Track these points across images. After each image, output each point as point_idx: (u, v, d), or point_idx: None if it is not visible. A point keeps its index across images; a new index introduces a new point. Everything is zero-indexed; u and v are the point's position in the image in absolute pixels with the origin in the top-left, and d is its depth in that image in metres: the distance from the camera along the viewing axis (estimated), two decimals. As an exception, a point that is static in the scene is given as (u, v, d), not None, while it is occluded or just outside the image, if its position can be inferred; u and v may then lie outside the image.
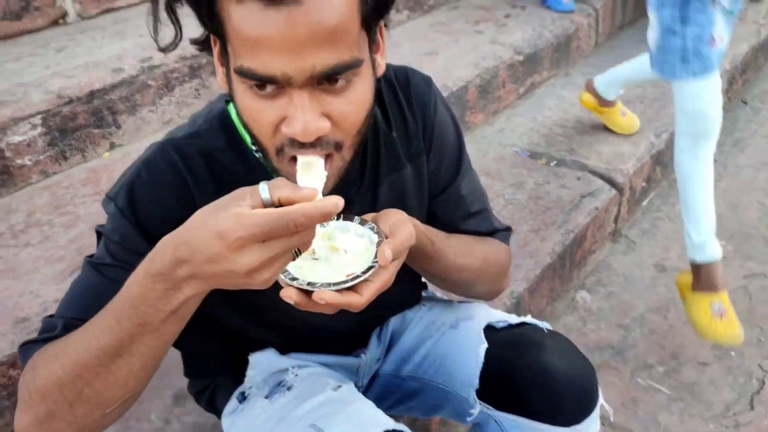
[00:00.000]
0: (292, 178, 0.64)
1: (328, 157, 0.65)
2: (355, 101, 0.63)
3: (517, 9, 2.62)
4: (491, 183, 1.88)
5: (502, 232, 0.95)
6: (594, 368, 0.87)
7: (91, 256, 0.76)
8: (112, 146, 1.78)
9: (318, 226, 0.61)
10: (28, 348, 0.70)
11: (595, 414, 0.84)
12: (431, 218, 0.89)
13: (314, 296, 0.59)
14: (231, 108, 0.76)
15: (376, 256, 0.63)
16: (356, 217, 0.69)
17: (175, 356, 1.37)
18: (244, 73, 0.59)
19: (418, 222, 0.74)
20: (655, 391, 1.50)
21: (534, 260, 1.59)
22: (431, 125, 0.84)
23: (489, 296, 0.99)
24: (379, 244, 0.65)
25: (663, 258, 1.91)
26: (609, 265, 1.90)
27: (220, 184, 0.73)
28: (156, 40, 0.65)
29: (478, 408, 0.87)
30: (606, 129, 2.13)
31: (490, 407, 0.87)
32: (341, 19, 0.57)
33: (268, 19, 0.55)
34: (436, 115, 0.84)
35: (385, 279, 0.62)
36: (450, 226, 0.89)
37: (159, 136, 0.80)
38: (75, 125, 1.68)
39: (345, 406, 0.80)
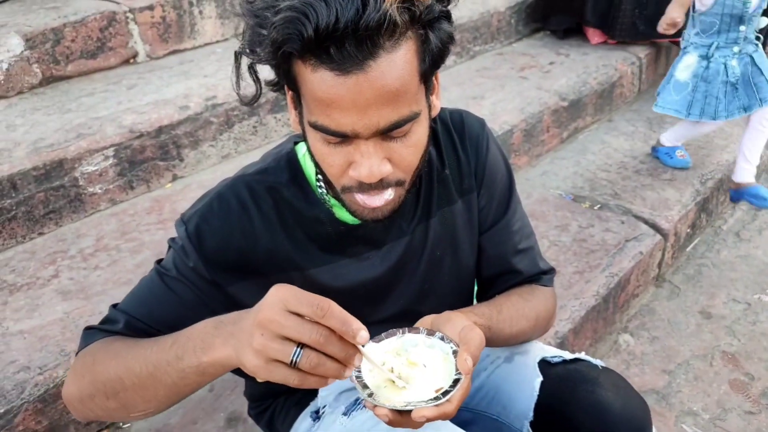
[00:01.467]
0: (354, 209, 0.74)
1: (389, 201, 0.73)
2: (413, 144, 0.70)
3: (562, 56, 2.69)
4: (535, 224, 1.92)
5: (546, 276, 0.97)
6: (648, 406, 0.89)
7: (159, 262, 0.83)
8: (174, 178, 1.89)
9: (387, 344, 0.69)
10: (90, 332, 0.80)
11: (649, 451, 0.86)
12: (480, 254, 0.94)
13: (414, 415, 0.63)
14: (298, 148, 0.83)
15: (456, 367, 0.67)
16: (421, 329, 0.72)
17: (229, 379, 1.44)
18: (317, 128, 0.67)
19: (476, 316, 0.78)
20: (701, 439, 1.49)
21: (579, 302, 1.61)
22: (483, 163, 0.89)
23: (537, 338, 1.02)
24: (454, 353, 0.68)
25: (708, 305, 1.90)
26: (652, 309, 1.90)
27: (282, 217, 0.81)
28: (239, 94, 0.73)
29: (531, 439, 0.89)
30: (650, 175, 2.16)
31: None
32: (401, 82, 0.64)
33: (339, 85, 0.62)
34: (488, 154, 0.89)
35: (466, 385, 0.67)
36: (498, 261, 0.93)
37: (217, 168, 0.90)
38: (143, 157, 1.80)
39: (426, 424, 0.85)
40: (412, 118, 0.67)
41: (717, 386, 1.62)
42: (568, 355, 0.94)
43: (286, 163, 0.83)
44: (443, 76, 2.53)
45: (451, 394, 0.64)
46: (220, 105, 1.93)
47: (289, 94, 0.74)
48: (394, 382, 0.66)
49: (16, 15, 2.14)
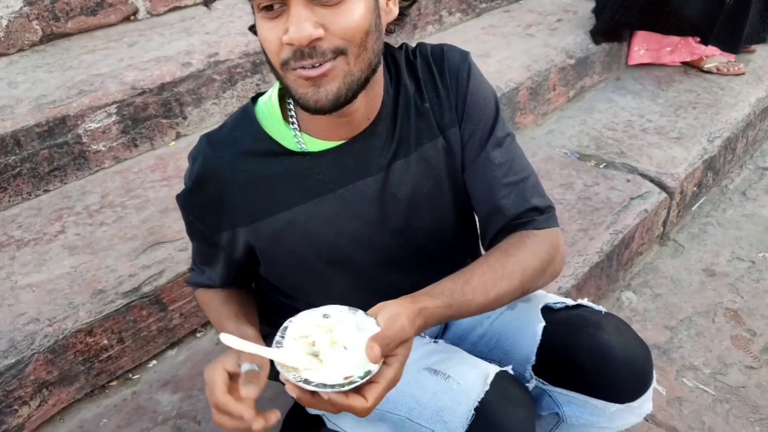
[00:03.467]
0: (299, 92, 0.75)
1: (335, 58, 0.72)
2: (347, 14, 0.71)
3: (569, 14, 2.64)
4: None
5: (542, 215, 0.88)
6: (649, 349, 0.90)
7: None
8: (178, 136, 1.88)
9: (322, 317, 0.71)
10: (196, 283, 1.02)
11: (649, 393, 0.87)
12: (471, 196, 0.91)
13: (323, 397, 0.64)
14: (259, 102, 0.88)
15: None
16: (361, 311, 0.72)
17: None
18: None
19: (428, 298, 0.76)
20: (700, 392, 1.51)
21: (582, 258, 1.62)
22: (463, 94, 0.86)
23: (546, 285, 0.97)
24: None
25: (712, 263, 1.90)
26: (656, 267, 1.90)
27: (247, 165, 0.85)
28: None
29: (533, 383, 0.91)
30: (657, 133, 2.13)
31: (546, 383, 0.91)
32: None
33: None
34: (468, 85, 0.86)
35: (390, 377, 0.67)
36: (483, 200, 0.89)
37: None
38: (146, 115, 1.79)
39: (453, 353, 0.87)
40: None
41: (718, 342, 1.64)
42: (570, 302, 0.95)
43: (241, 113, 0.88)
44: (450, 34, 2.50)
45: (370, 386, 0.64)
46: (223, 62, 1.91)
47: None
48: (316, 355, 0.68)
49: (13, -30, 2.10)
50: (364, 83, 0.77)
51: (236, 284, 1.01)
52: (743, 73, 2.45)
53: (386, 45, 0.86)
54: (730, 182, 2.25)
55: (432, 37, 2.48)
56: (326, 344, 0.69)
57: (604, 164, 2.01)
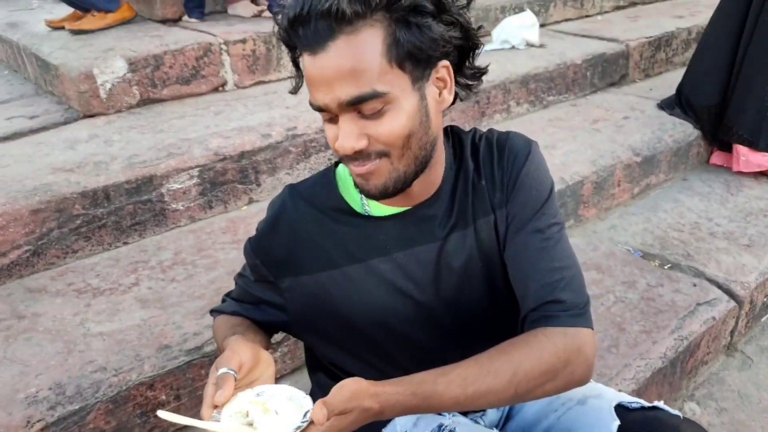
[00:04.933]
0: (355, 179, 0.86)
1: (380, 158, 0.81)
2: (388, 124, 0.78)
3: (636, 112, 2.67)
4: (601, 278, 1.89)
5: (566, 311, 0.82)
6: None
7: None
8: (250, 201, 1.98)
9: (255, 395, 0.76)
10: (215, 312, 1.09)
11: None
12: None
13: None
14: (338, 168, 0.97)
15: (305, 416, 0.72)
16: (293, 388, 0.78)
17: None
18: (311, 106, 0.81)
19: (390, 385, 0.76)
20: None
21: (644, 362, 1.56)
22: (515, 176, 0.89)
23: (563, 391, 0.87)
24: (307, 413, 0.72)
25: (783, 381, 1.80)
26: (722, 379, 1.81)
27: (320, 218, 0.92)
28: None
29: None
30: (726, 239, 2.09)
31: None
32: (358, 62, 0.75)
33: (312, 64, 0.77)
34: (522, 169, 0.89)
35: None
36: (517, 287, 0.88)
37: None
38: (224, 179, 1.90)
39: None
40: (375, 96, 0.76)
41: (790, 469, 1.53)
42: (645, 403, 0.92)
43: (323, 172, 0.97)
44: (516, 124, 2.56)
45: None
46: (300, 136, 2.02)
47: None
48: (251, 425, 0.73)
49: (122, 40, 2.33)
50: (414, 175, 0.84)
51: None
52: None
53: (453, 128, 0.96)
54: (804, 295, 2.15)
55: (499, 125, 2.56)
56: (259, 412, 0.74)
57: (669, 265, 1.97)
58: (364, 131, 0.78)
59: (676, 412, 0.92)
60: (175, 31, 2.45)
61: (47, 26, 2.66)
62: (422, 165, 0.84)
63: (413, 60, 0.78)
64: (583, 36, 3.20)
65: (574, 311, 0.83)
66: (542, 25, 3.29)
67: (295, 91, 0.89)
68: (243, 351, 0.80)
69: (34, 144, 1.96)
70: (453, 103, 0.87)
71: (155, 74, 2.18)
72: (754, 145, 2.44)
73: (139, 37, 2.36)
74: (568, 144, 2.35)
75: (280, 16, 0.78)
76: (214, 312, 1.10)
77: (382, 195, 0.84)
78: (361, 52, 0.75)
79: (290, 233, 0.93)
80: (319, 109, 0.79)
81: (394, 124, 0.78)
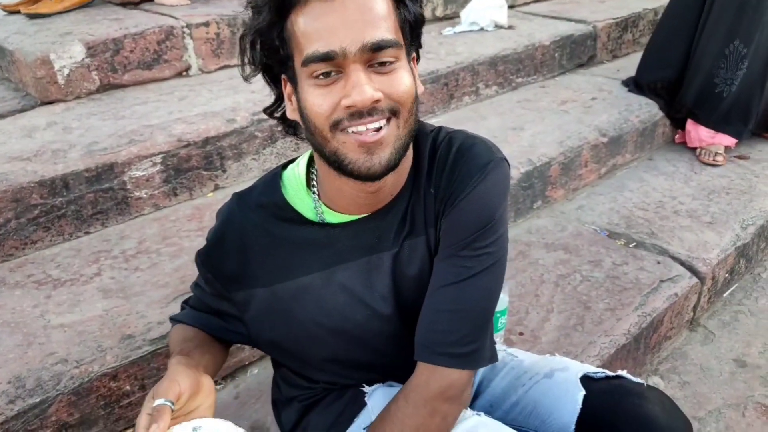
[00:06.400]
0: (350, 157, 0.77)
1: (388, 120, 0.77)
2: (400, 80, 0.77)
3: (604, 93, 2.69)
4: (568, 258, 1.91)
5: (444, 355, 0.83)
6: (692, 425, 0.89)
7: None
8: (216, 187, 1.95)
9: (190, 426, 0.74)
10: (173, 320, 1.07)
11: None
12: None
13: None
14: (286, 171, 0.93)
15: None
16: (230, 422, 0.77)
17: (254, 388, 1.46)
18: (309, 59, 0.74)
19: None
20: (730, 492, 1.44)
21: (609, 339, 1.59)
22: (460, 191, 0.83)
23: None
24: None
25: (743, 353, 1.85)
26: (685, 354, 1.86)
27: (270, 229, 0.89)
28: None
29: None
30: (690, 216, 2.13)
31: None
32: (382, 7, 0.75)
33: (327, 9, 0.73)
34: (470, 184, 0.83)
35: None
36: (423, 310, 0.87)
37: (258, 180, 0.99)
38: (188, 166, 1.86)
39: (498, 428, 0.87)
40: (396, 44, 0.75)
41: (749, 438, 1.58)
42: (610, 373, 0.94)
43: (270, 178, 0.93)
44: (485, 106, 2.56)
45: None
46: (265, 120, 1.99)
47: (287, 89, 0.82)
48: None
49: (80, 24, 2.26)
50: (406, 149, 0.81)
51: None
52: (719, 164, 2.46)
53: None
54: (763, 270, 2.21)
55: (468, 107, 2.56)
56: None
57: (634, 244, 2.00)
58: (377, 86, 0.75)
59: (638, 379, 0.95)
60: (136, 14, 2.39)
61: (2, 10, 2.57)
62: (412, 140, 0.83)
63: (408, 30, 0.80)
64: (552, 17, 3.20)
65: (451, 353, 0.83)
66: (511, 7, 3.29)
67: (248, 77, 0.84)
68: (182, 378, 0.75)
69: (-10, 132, 1.90)
70: None
71: (115, 59, 2.13)
72: (696, 117, 2.50)
73: (98, 20, 2.29)
74: (536, 125, 2.36)
75: None
76: (172, 320, 1.06)
77: (385, 171, 0.78)
78: (380, 2, 0.75)
79: (240, 245, 0.90)
80: (327, 57, 0.73)
81: (405, 82, 0.77)
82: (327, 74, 0.74)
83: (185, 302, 1.07)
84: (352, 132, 0.76)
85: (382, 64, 0.75)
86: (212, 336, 0.99)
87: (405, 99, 0.77)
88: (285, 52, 0.78)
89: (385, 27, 0.75)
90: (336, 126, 0.76)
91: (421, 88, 0.84)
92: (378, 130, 0.76)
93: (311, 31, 0.74)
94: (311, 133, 0.79)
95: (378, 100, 0.75)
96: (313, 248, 0.88)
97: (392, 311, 0.90)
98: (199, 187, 1.91)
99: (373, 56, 0.74)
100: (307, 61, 0.74)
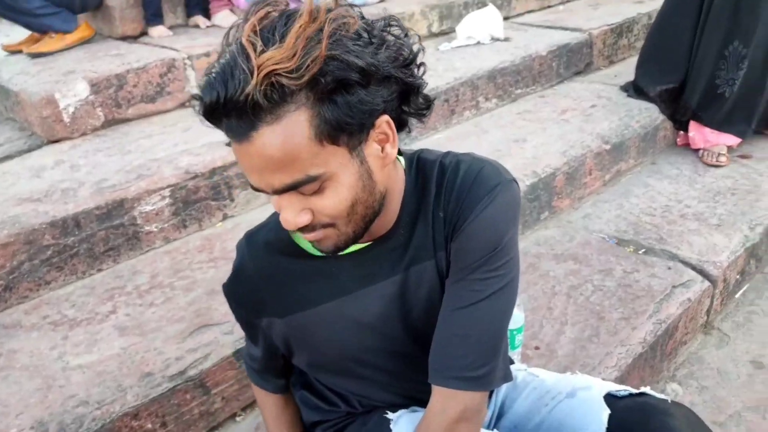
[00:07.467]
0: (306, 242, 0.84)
1: (322, 239, 0.79)
2: (330, 199, 0.75)
3: (603, 99, 2.71)
4: (578, 268, 1.91)
5: (457, 378, 0.84)
6: None
7: None
8: (225, 217, 1.96)
9: None
10: (244, 361, 1.14)
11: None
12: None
13: None
14: None
15: None
16: None
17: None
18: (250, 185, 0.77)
19: None
20: (756, 498, 1.43)
21: (625, 349, 1.59)
22: (467, 214, 0.83)
23: None
24: None
25: (760, 354, 1.84)
26: (701, 358, 1.85)
27: (279, 262, 0.92)
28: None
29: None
30: (697, 219, 2.13)
31: None
32: (285, 151, 0.68)
33: (239, 151, 0.71)
34: (477, 208, 0.82)
35: None
36: (435, 333, 0.87)
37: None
38: (196, 197, 1.88)
39: None
40: (310, 180, 0.72)
41: (772, 441, 1.57)
42: (633, 390, 0.95)
43: (277, 217, 0.93)
44: (486, 119, 2.58)
45: None
46: (270, 147, 2.01)
47: None
48: None
49: (82, 61, 2.29)
50: (364, 231, 0.81)
51: (279, 370, 1.08)
52: (722, 165, 2.47)
53: (422, 153, 0.90)
54: (774, 269, 2.21)
55: (469, 122, 2.57)
56: None
57: (644, 250, 2.01)
58: (306, 206, 0.75)
59: (663, 396, 0.94)
60: (137, 48, 2.42)
61: (4, 51, 2.61)
62: (372, 219, 0.81)
63: (346, 132, 0.72)
64: (547, 27, 3.23)
65: (464, 377, 0.84)
66: (506, 18, 3.31)
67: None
68: None
69: (-1, 174, 1.92)
70: (403, 129, 0.83)
71: (119, 94, 2.15)
72: (699, 119, 2.51)
73: (100, 57, 2.32)
74: (538, 136, 2.38)
75: (198, 100, 0.71)
76: (252, 381, 1.13)
77: (335, 253, 0.82)
78: (288, 140, 0.68)
79: (253, 282, 0.94)
80: (255, 190, 0.75)
81: (336, 199, 0.75)
82: None
83: (247, 355, 1.11)
84: None
85: (308, 189, 0.74)
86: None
87: (336, 214, 0.76)
88: None
89: (297, 167, 0.70)
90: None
91: (391, 157, 0.79)
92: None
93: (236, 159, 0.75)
94: None
95: (306, 225, 0.76)
96: (320, 281, 0.90)
97: (403, 335, 0.91)
98: (208, 218, 1.93)
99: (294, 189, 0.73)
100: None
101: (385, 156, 0.78)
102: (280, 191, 0.73)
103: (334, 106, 0.69)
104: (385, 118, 0.76)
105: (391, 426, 0.97)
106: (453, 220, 0.85)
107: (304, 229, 0.77)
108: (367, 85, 0.71)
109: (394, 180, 0.85)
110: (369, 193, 0.78)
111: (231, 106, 0.66)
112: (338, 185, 0.74)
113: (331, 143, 0.71)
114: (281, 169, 0.70)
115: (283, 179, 0.71)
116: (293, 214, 0.75)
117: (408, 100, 0.80)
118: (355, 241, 0.82)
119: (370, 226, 0.82)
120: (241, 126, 0.68)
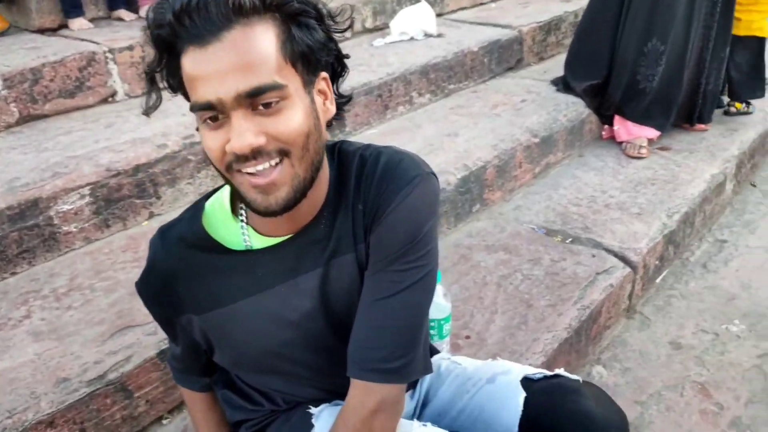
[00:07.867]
0: (249, 196, 0.78)
1: (280, 161, 0.76)
2: (286, 121, 0.74)
3: (533, 94, 2.78)
4: (509, 258, 1.96)
5: (375, 371, 0.84)
6: (626, 416, 0.95)
7: None
8: (151, 215, 1.90)
9: None
10: (168, 363, 1.11)
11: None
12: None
13: None
14: (210, 201, 0.93)
15: None
16: None
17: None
18: (192, 108, 0.74)
19: None
20: (673, 471, 1.51)
21: (551, 334, 1.64)
22: (386, 205, 0.83)
23: None
24: None
25: (678, 335, 1.94)
26: (624, 341, 1.93)
27: (195, 259, 0.89)
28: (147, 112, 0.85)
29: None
30: (619, 209, 2.22)
31: None
32: (257, 52, 0.72)
33: (201, 57, 0.71)
34: (396, 200, 0.83)
35: None
36: (354, 325, 0.87)
37: None
38: (119, 196, 1.81)
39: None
40: (275, 87, 0.72)
41: (688, 416, 1.65)
42: (548, 372, 0.98)
43: (193, 210, 0.93)
44: (419, 114, 2.60)
45: None
46: (198, 143, 1.96)
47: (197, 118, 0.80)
48: None
49: (-6, 55, 2.16)
50: (310, 183, 0.80)
51: (203, 369, 1.05)
52: (643, 157, 2.59)
53: (342, 144, 0.91)
54: (691, 255, 2.33)
55: (403, 117, 2.59)
56: None
57: (570, 239, 2.07)
58: (261, 129, 0.73)
59: (575, 376, 0.99)
60: (54, 41, 2.31)
61: None
62: (316, 172, 0.80)
63: (304, 61, 0.76)
64: (479, 24, 3.29)
65: (382, 369, 0.84)
66: (439, 15, 3.35)
67: (147, 112, 0.84)
68: None
69: None
70: (331, 122, 0.85)
71: (34, 89, 2.05)
72: (623, 113, 2.63)
73: (14, 50, 2.20)
74: (470, 131, 2.42)
75: (155, 13, 0.72)
76: (176, 383, 1.12)
77: (283, 209, 0.77)
78: (258, 44, 0.72)
79: (167, 279, 0.91)
80: (207, 107, 0.72)
81: (293, 121, 0.74)
82: (215, 118, 0.74)
83: (171, 357, 1.08)
84: (246, 173, 0.76)
85: (267, 104, 0.73)
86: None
87: (293, 139, 0.75)
88: (183, 89, 0.77)
89: (264, 70, 0.72)
90: (230, 167, 0.76)
91: (330, 113, 0.83)
92: (272, 168, 0.76)
93: (193, 78, 0.73)
94: (215, 169, 0.79)
95: (260, 149, 0.74)
96: (236, 276, 0.88)
97: (325, 330, 0.90)
98: (133, 216, 1.86)
99: (254, 101, 0.72)
100: (193, 109, 0.74)
101: (326, 110, 0.82)
102: (245, 95, 0.71)
103: (297, 28, 0.75)
104: (325, 74, 0.81)
105: (313, 420, 0.96)
106: (372, 212, 0.84)
107: (256, 164, 0.74)
108: (321, 25, 0.78)
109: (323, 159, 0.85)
110: (318, 133, 0.79)
111: (207, 3, 0.70)
112: (295, 108, 0.75)
113: (291, 65, 0.75)
114: (249, 70, 0.71)
115: (250, 81, 0.71)
116: (249, 134, 0.72)
117: (336, 78, 0.86)
118: (303, 195, 0.79)
119: (314, 181, 0.80)
120: (215, 23, 0.70)
